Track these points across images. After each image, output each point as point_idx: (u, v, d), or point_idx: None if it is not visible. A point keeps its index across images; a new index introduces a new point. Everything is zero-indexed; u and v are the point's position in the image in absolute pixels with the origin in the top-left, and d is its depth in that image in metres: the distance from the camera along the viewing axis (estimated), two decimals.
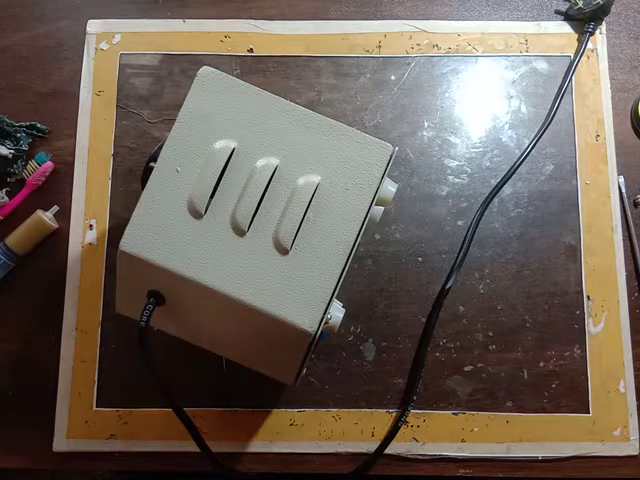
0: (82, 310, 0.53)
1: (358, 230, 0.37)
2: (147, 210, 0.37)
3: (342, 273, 0.37)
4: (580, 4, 0.57)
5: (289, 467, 0.52)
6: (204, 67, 0.39)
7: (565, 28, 0.59)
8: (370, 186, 0.37)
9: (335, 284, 0.36)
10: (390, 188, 0.39)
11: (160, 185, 0.38)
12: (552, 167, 0.56)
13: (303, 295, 0.36)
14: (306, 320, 0.36)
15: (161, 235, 0.37)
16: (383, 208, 0.40)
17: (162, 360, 0.51)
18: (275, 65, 0.58)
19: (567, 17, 0.59)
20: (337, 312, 0.38)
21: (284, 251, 0.37)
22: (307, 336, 0.36)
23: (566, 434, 0.52)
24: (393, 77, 0.57)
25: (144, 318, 0.37)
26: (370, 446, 0.51)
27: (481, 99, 0.57)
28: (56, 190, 0.55)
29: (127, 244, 0.37)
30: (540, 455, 0.51)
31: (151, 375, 0.39)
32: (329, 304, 0.36)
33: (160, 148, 0.39)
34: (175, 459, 0.51)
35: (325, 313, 0.36)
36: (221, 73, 0.39)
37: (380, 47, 0.58)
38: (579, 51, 0.57)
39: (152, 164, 0.39)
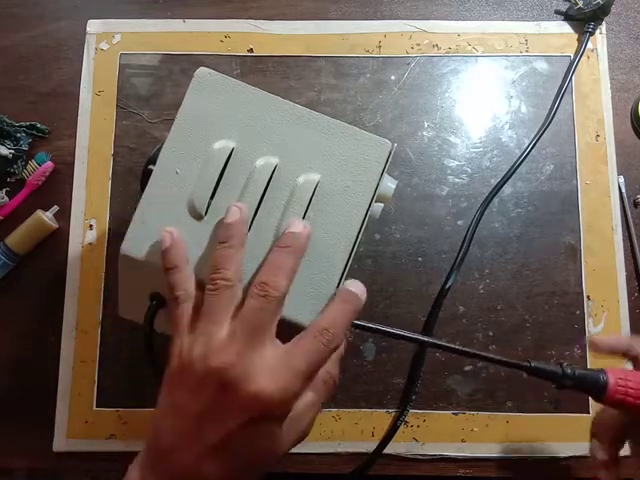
0: (82, 310, 0.53)
1: (359, 227, 0.37)
2: (147, 213, 0.37)
3: (344, 270, 0.37)
4: (580, 4, 0.57)
5: (289, 467, 0.52)
6: (201, 68, 0.39)
7: (565, 28, 0.59)
8: (370, 183, 0.37)
9: (338, 281, 0.36)
10: (390, 185, 0.39)
11: (160, 187, 0.37)
12: (552, 167, 0.56)
13: (305, 293, 0.36)
14: (309, 318, 0.36)
15: None
16: (383, 205, 0.40)
17: (164, 361, 0.51)
18: (275, 65, 0.58)
19: (567, 17, 0.59)
20: None
21: None
22: None
23: (566, 434, 0.52)
24: (393, 77, 0.57)
25: (147, 322, 0.37)
26: (370, 446, 0.51)
27: (481, 99, 0.57)
28: (56, 190, 0.55)
29: (128, 247, 0.37)
30: (540, 455, 0.51)
31: (157, 377, 0.39)
32: None
33: (159, 150, 0.39)
34: None
35: None
36: (217, 74, 0.39)
37: (380, 47, 0.58)
38: (579, 51, 0.57)
39: (151, 166, 0.38)
